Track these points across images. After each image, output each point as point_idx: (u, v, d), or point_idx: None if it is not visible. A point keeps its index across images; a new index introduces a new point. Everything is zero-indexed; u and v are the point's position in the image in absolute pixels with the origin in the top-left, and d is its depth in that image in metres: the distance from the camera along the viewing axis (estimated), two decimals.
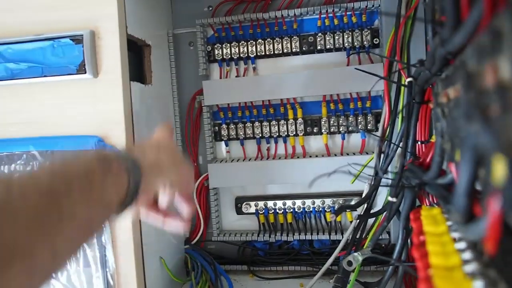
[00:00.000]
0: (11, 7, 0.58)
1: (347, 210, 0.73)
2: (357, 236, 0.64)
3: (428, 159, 0.43)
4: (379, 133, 0.64)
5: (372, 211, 0.63)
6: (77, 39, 0.55)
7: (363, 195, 0.63)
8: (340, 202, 0.75)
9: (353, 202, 0.73)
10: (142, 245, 0.57)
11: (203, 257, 0.74)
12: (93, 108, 0.56)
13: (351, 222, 0.76)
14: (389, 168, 0.58)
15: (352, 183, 0.63)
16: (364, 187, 0.67)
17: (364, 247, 0.61)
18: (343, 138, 0.75)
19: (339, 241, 0.75)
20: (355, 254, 0.59)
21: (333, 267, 0.67)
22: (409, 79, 0.47)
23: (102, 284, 0.54)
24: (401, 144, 0.51)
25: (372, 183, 0.61)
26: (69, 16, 0.56)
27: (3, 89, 0.58)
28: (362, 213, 0.62)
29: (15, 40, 0.57)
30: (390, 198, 0.48)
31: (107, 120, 0.56)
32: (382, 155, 0.60)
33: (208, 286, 0.67)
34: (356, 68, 0.59)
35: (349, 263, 0.59)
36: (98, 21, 0.55)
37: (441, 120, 0.33)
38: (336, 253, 0.64)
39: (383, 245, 0.75)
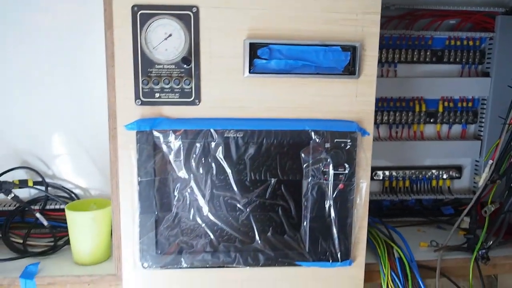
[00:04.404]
0: (298, 15, 0.72)
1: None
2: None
3: None
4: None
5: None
6: (346, 48, 0.74)
7: (492, 166, 0.92)
8: (442, 172, 1.06)
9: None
10: None
11: None
12: (352, 100, 0.75)
13: (448, 186, 1.07)
14: None
15: (485, 160, 0.94)
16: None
17: (489, 202, 0.92)
18: (450, 127, 1.05)
19: (440, 200, 1.07)
20: (489, 206, 0.90)
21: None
22: None
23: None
24: None
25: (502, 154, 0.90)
26: (340, 30, 0.73)
27: (282, 80, 0.73)
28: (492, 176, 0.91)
29: (296, 43, 0.72)
30: None
31: (362, 110, 0.75)
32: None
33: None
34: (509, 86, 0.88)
35: (485, 212, 0.90)
36: (365, 37, 0.74)
37: None
38: (470, 205, 0.93)
39: None
